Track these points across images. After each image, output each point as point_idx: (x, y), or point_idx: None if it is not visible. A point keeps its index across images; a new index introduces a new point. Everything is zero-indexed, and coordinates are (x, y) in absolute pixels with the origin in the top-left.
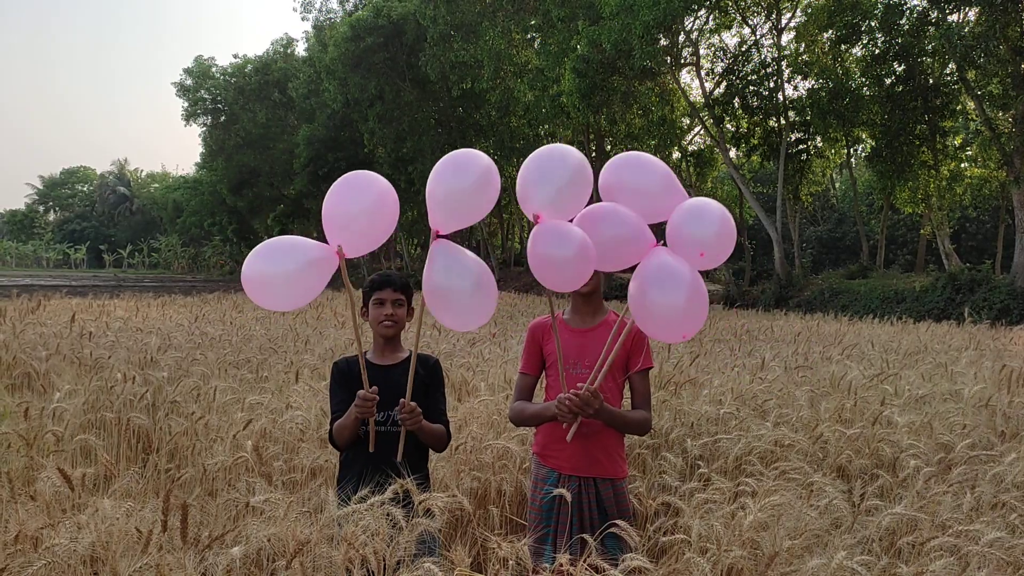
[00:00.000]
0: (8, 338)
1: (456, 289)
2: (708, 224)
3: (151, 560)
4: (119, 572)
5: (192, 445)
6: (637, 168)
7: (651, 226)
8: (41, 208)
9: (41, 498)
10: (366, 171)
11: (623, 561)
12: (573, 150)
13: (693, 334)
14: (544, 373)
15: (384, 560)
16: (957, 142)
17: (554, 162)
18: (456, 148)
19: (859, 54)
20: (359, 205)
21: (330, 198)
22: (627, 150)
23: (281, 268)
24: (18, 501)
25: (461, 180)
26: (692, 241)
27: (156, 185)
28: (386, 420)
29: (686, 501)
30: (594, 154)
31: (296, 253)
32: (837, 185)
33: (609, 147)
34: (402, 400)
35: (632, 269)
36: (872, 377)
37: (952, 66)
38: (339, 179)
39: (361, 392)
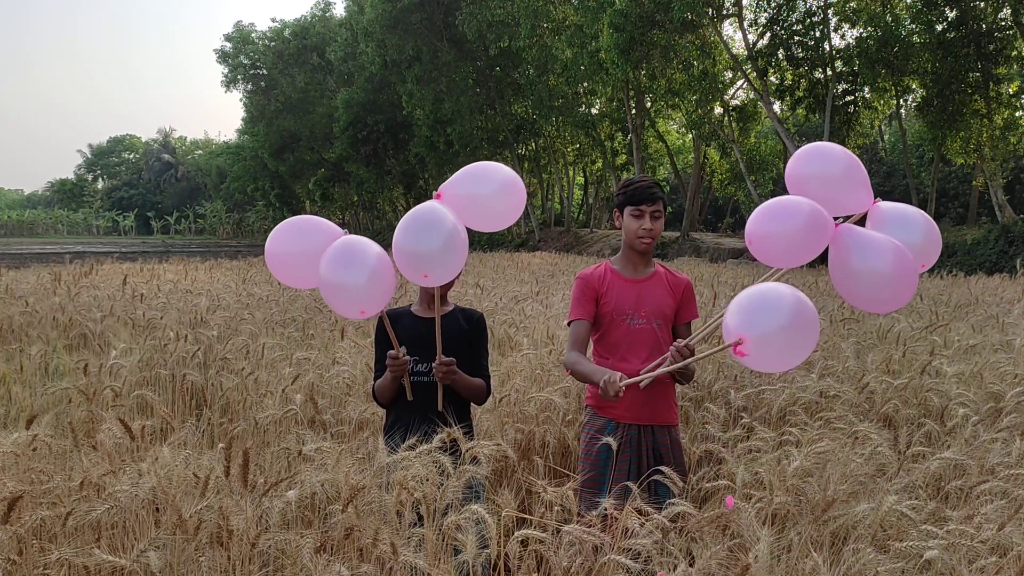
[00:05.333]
0: (64, 300)
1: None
2: (915, 231)
3: (212, 503)
4: (183, 514)
5: (243, 400)
6: (819, 157)
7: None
8: (89, 176)
9: (103, 448)
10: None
11: (667, 506)
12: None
13: (905, 302)
14: (597, 323)
15: (434, 505)
16: (1012, 89)
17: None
18: (494, 108)
19: (909, 0)
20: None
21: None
22: (668, 106)
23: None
24: (81, 450)
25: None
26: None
27: (200, 151)
28: (429, 371)
29: (729, 450)
30: (634, 111)
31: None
32: (886, 137)
33: (649, 103)
34: (438, 356)
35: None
36: (921, 329)
37: (1007, 10)
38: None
39: (391, 352)
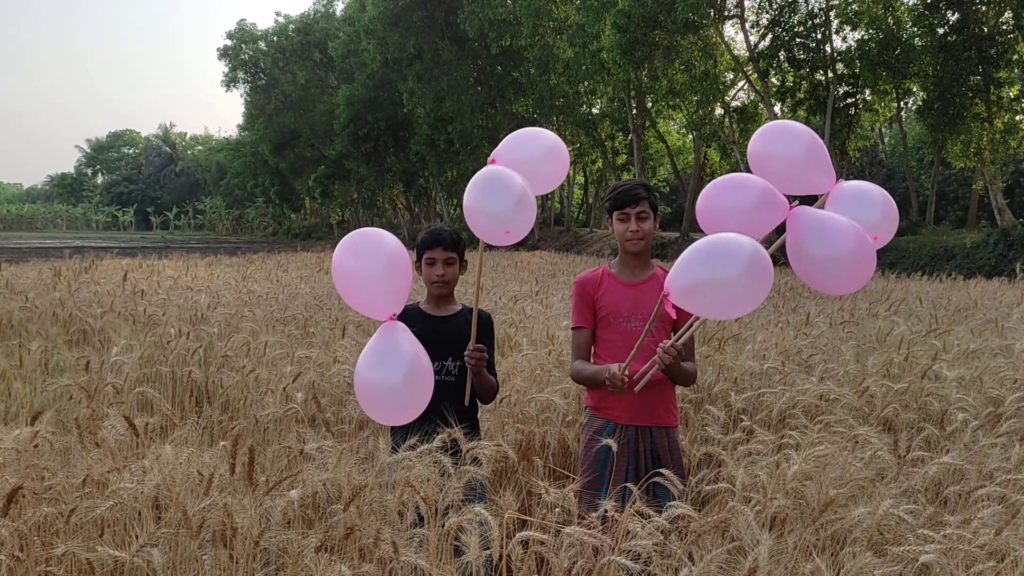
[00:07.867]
0: (64, 296)
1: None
2: (872, 208)
3: (215, 501)
4: (187, 512)
5: (244, 397)
6: (782, 136)
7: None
8: (89, 171)
9: (105, 445)
10: None
11: (667, 509)
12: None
13: (865, 282)
14: (596, 326)
15: (436, 505)
16: (1012, 93)
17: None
18: (495, 107)
19: (911, 3)
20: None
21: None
22: (669, 107)
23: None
24: (85, 447)
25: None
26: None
27: (200, 147)
28: (440, 370)
29: (729, 452)
30: (635, 111)
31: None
32: (886, 140)
33: (650, 103)
34: (470, 344)
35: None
36: (921, 333)
37: (1008, 13)
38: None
39: None
